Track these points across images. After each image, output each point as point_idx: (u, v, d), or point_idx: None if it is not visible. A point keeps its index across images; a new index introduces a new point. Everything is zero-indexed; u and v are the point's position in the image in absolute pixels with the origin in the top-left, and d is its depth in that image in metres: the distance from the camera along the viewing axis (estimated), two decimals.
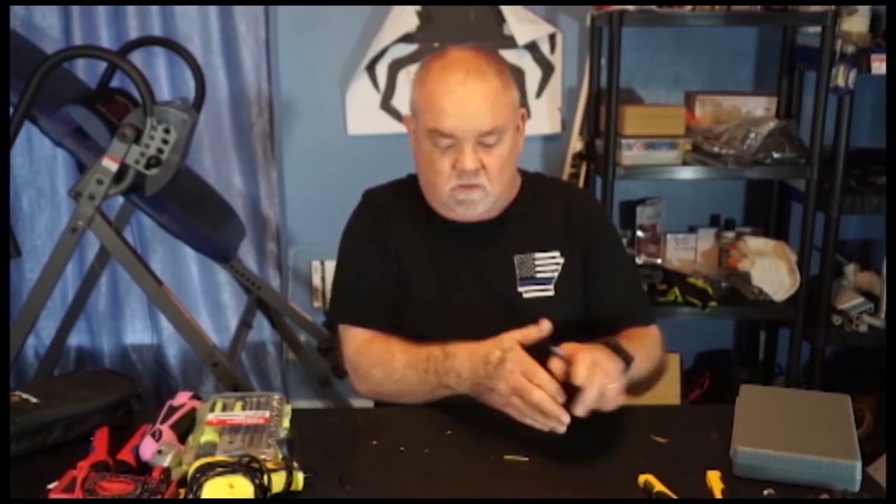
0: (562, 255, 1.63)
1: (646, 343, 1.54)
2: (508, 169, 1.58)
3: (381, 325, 1.57)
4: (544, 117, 3.06)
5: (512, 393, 1.32)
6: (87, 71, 2.82)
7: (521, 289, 1.61)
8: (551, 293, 1.61)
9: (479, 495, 1.22)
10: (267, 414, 1.33)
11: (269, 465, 1.18)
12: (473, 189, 1.54)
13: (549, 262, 1.63)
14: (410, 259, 1.63)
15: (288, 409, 1.38)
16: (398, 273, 1.62)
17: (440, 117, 1.49)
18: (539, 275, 1.62)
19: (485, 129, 1.49)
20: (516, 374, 1.32)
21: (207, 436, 1.27)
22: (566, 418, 1.28)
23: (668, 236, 3.09)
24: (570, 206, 1.67)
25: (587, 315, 1.64)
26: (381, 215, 1.66)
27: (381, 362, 1.52)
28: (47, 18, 2.87)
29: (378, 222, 1.65)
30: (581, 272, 1.63)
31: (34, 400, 1.36)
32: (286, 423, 1.34)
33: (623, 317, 1.60)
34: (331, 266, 2.63)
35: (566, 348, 1.34)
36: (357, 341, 1.57)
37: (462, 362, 1.41)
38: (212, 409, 1.35)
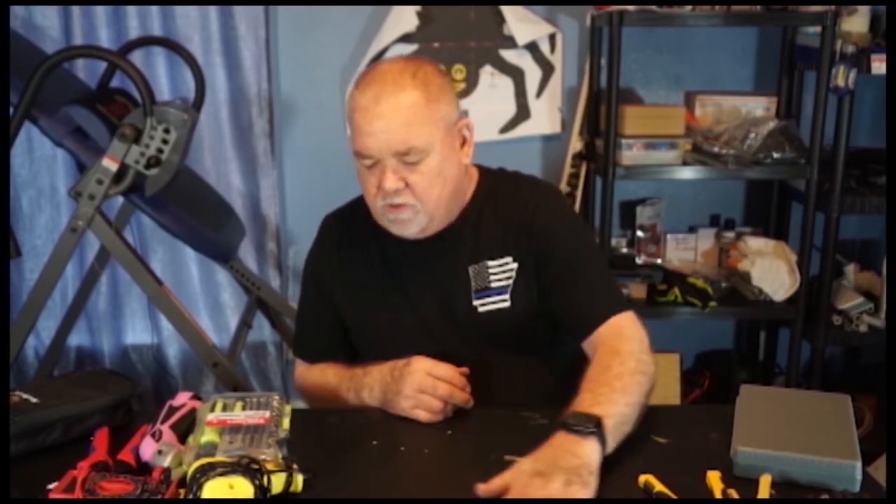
0: (514, 259, 1.54)
1: (614, 368, 1.35)
2: (441, 185, 1.48)
3: (319, 358, 1.67)
4: (544, 117, 3.06)
5: (419, 391, 1.40)
6: (87, 71, 2.82)
7: (476, 302, 1.54)
8: (507, 304, 1.53)
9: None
10: (267, 414, 1.33)
11: (269, 466, 1.18)
12: (401, 209, 1.47)
13: (502, 270, 1.55)
14: (364, 281, 1.61)
15: (288, 409, 1.38)
16: (349, 300, 1.62)
17: (357, 137, 1.45)
18: (494, 284, 1.54)
19: (399, 149, 1.43)
20: (421, 373, 1.40)
21: (207, 436, 1.27)
22: (471, 404, 1.43)
23: (668, 236, 3.09)
24: (517, 205, 1.56)
25: (548, 322, 1.56)
26: (334, 244, 1.65)
27: (317, 387, 1.63)
28: (47, 18, 2.87)
29: (330, 253, 1.65)
30: (534, 276, 1.54)
31: (34, 400, 1.36)
32: (286, 423, 1.34)
33: (582, 311, 1.49)
34: None
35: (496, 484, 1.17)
36: (299, 369, 1.71)
37: (374, 376, 1.49)
38: (212, 410, 1.34)
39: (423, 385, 1.40)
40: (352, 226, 1.65)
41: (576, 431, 1.21)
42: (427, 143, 1.44)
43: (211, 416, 1.32)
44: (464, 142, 1.54)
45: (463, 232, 1.57)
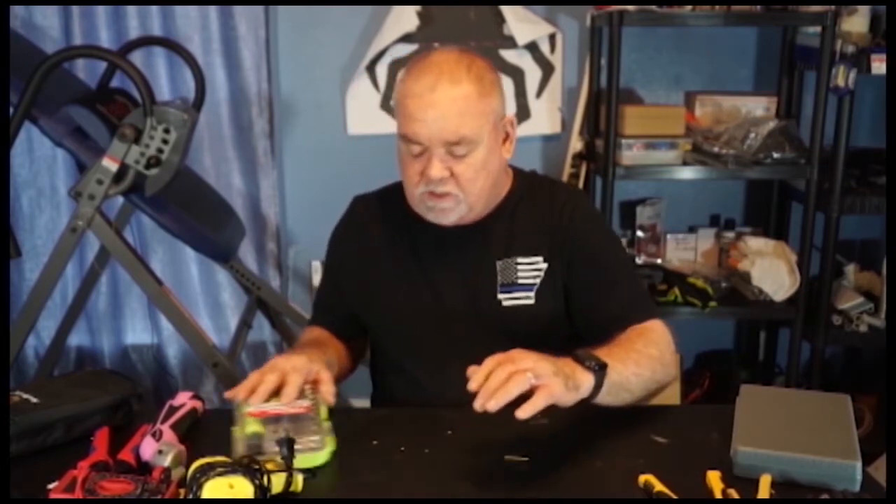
0: (545, 260, 1.57)
1: (637, 344, 1.42)
2: (484, 178, 1.51)
3: (330, 331, 1.68)
4: (544, 117, 3.06)
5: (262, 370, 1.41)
6: (87, 71, 2.82)
7: (500, 296, 1.56)
8: (531, 301, 1.56)
9: (479, 495, 1.22)
10: (306, 403, 1.36)
11: (269, 466, 1.18)
12: (444, 198, 1.50)
13: (531, 268, 1.57)
14: (390, 264, 1.62)
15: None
16: (369, 278, 1.63)
17: (408, 122, 1.47)
18: (521, 281, 1.56)
19: (450, 139, 1.45)
20: (283, 360, 1.43)
21: (252, 427, 1.29)
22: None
23: (668, 236, 3.09)
24: (552, 207, 1.60)
25: (573, 323, 1.59)
26: (362, 224, 1.67)
27: None
28: (47, 18, 2.87)
29: (357, 232, 1.67)
30: (562, 278, 1.56)
31: (34, 400, 1.36)
32: (324, 411, 1.37)
33: (617, 318, 1.52)
34: None
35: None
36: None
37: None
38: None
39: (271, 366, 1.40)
40: (383, 208, 1.67)
41: (580, 361, 1.27)
42: (477, 135, 1.47)
43: (250, 408, 1.33)
44: (506, 137, 1.57)
45: (495, 226, 1.60)
